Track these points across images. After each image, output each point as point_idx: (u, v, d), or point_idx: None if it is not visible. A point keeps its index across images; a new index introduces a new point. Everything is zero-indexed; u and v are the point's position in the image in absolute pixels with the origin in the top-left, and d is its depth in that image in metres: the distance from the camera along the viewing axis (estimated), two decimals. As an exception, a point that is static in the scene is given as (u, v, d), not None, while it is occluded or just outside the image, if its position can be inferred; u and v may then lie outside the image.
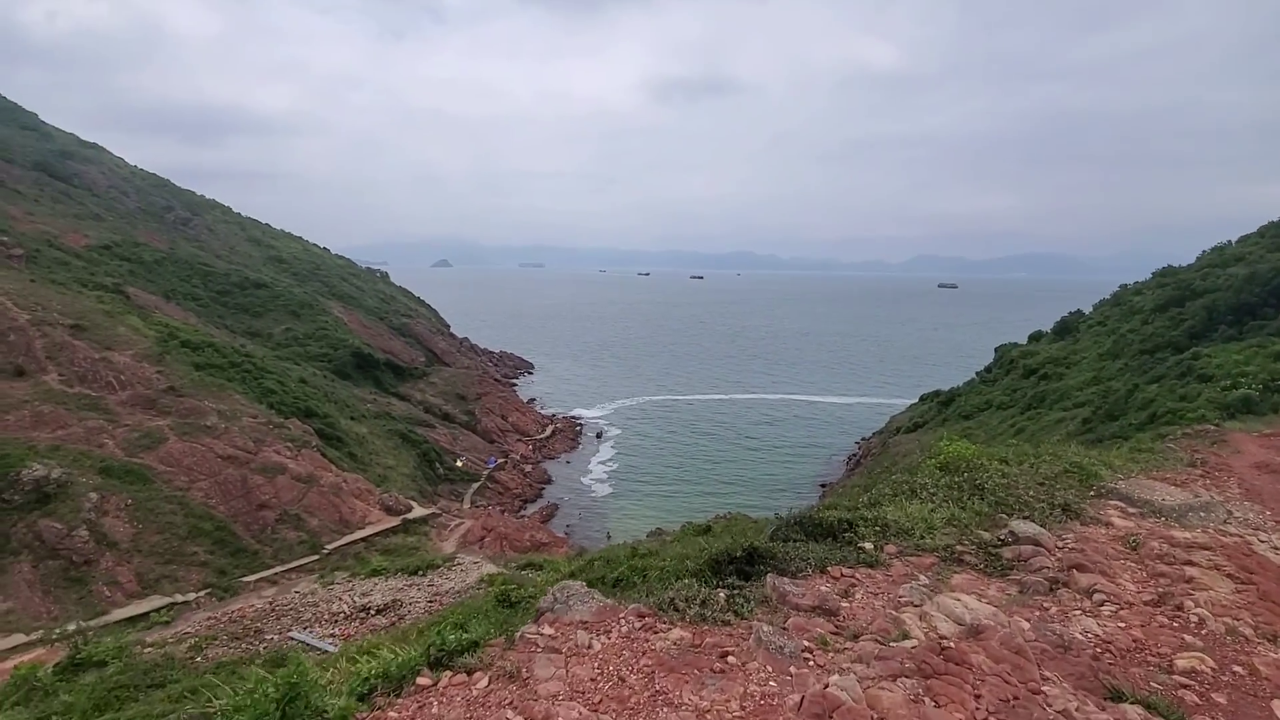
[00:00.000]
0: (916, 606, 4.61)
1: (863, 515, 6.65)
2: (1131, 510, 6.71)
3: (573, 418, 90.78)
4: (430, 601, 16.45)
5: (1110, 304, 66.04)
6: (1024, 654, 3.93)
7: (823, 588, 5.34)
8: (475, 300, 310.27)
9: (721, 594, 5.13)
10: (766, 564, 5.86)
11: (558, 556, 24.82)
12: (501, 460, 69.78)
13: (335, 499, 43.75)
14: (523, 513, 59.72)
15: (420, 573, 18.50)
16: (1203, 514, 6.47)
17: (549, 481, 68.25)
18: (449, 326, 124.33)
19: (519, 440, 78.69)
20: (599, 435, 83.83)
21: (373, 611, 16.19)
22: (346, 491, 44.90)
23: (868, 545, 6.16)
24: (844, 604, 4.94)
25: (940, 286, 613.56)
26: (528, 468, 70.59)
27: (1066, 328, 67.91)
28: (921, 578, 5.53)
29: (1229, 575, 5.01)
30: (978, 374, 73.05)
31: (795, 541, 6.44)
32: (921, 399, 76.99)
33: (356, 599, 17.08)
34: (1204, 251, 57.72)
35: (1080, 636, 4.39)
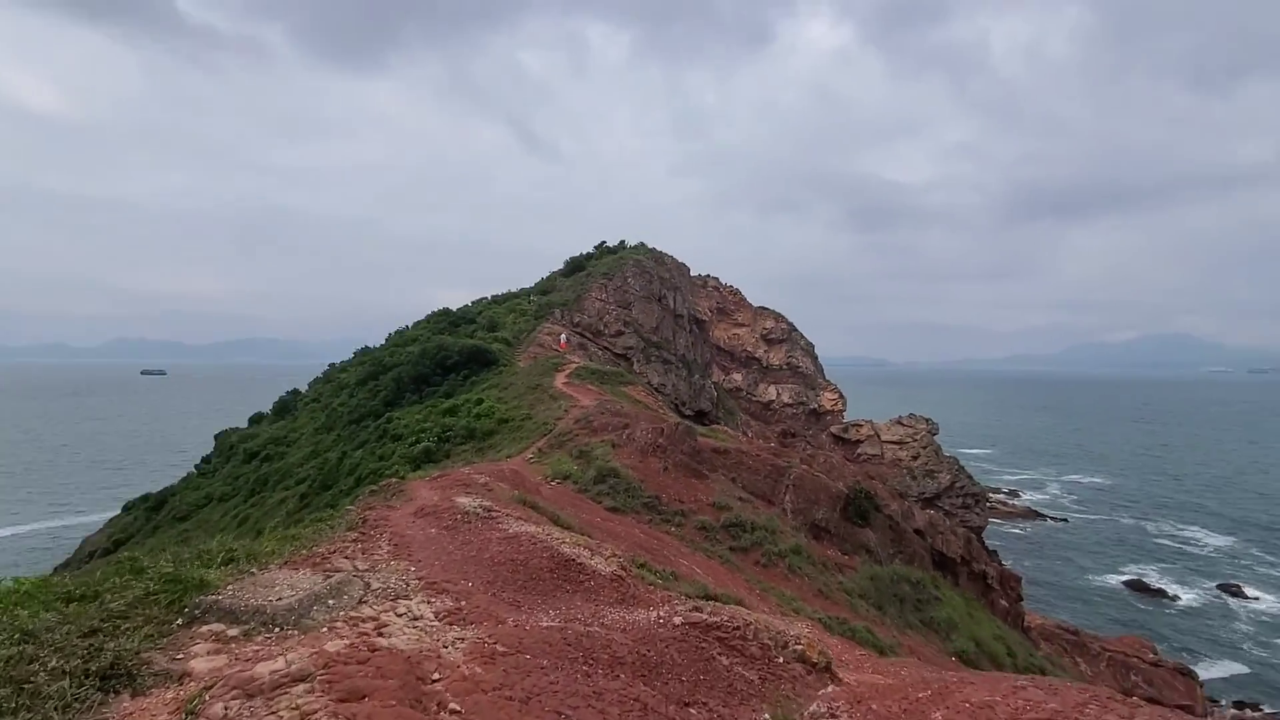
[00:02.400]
0: None
1: None
2: (234, 631, 4.36)
3: None
4: None
5: (323, 381, 70.48)
6: None
7: None
8: None
9: None
10: None
11: None
12: None
13: None
14: None
15: None
16: (331, 602, 4.75)
17: None
18: None
19: None
20: None
21: None
22: None
23: None
24: None
25: (144, 374, 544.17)
26: None
27: (285, 407, 68.42)
28: None
29: (327, 723, 3.10)
30: (196, 466, 64.87)
31: None
32: (125, 508, 62.49)
33: None
34: (390, 333, 68.88)
35: None
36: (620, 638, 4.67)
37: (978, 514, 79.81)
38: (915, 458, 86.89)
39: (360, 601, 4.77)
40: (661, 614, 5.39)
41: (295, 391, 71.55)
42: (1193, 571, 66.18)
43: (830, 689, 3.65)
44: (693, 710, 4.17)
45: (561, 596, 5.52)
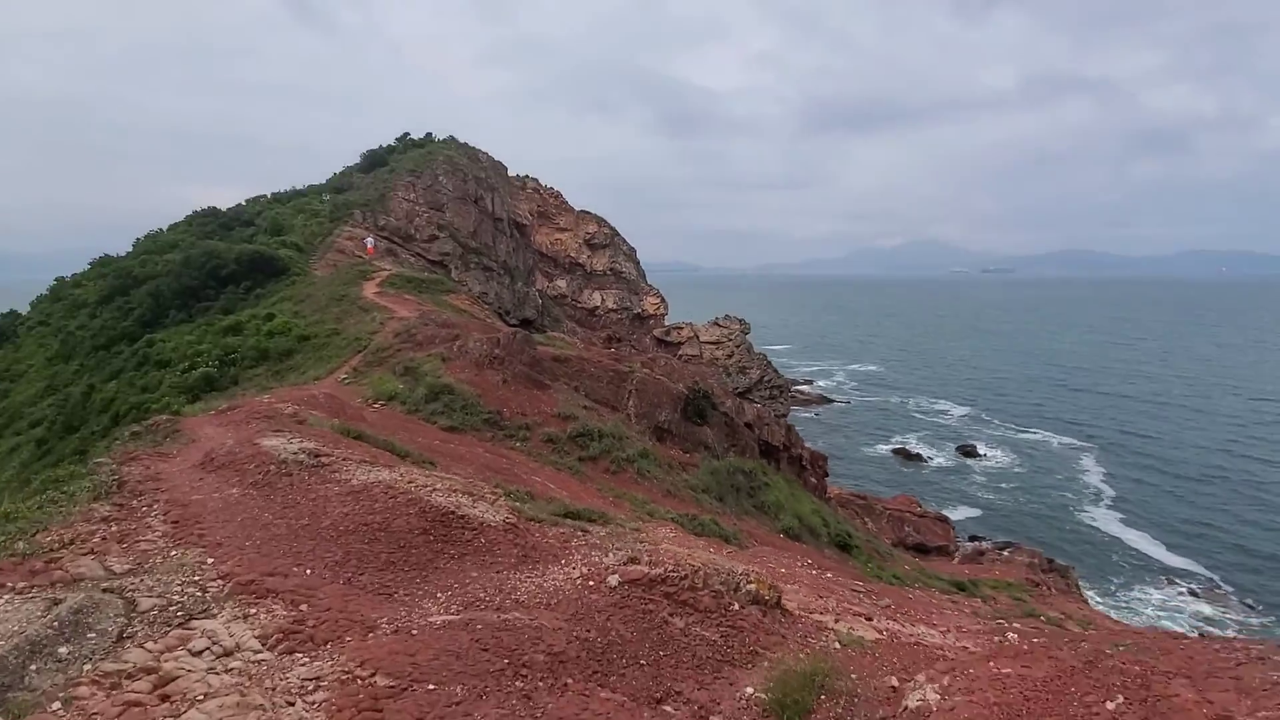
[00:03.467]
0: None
1: None
2: None
3: None
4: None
5: (51, 300, 56.78)
6: None
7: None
8: None
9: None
10: None
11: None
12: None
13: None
14: None
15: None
16: (64, 650, 2.69)
17: None
18: None
19: None
20: None
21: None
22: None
23: None
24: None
25: None
26: None
27: (3, 333, 54.48)
28: None
29: None
30: None
31: None
32: None
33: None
34: (138, 239, 56.59)
35: None
36: (549, 621, 3.35)
37: (782, 403, 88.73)
38: (730, 356, 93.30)
39: (121, 639, 2.80)
40: (585, 571, 4.14)
41: (13, 314, 57.05)
42: (941, 438, 79.87)
43: (933, 677, 2.75)
44: (668, 707, 3.08)
45: (446, 567, 3.99)
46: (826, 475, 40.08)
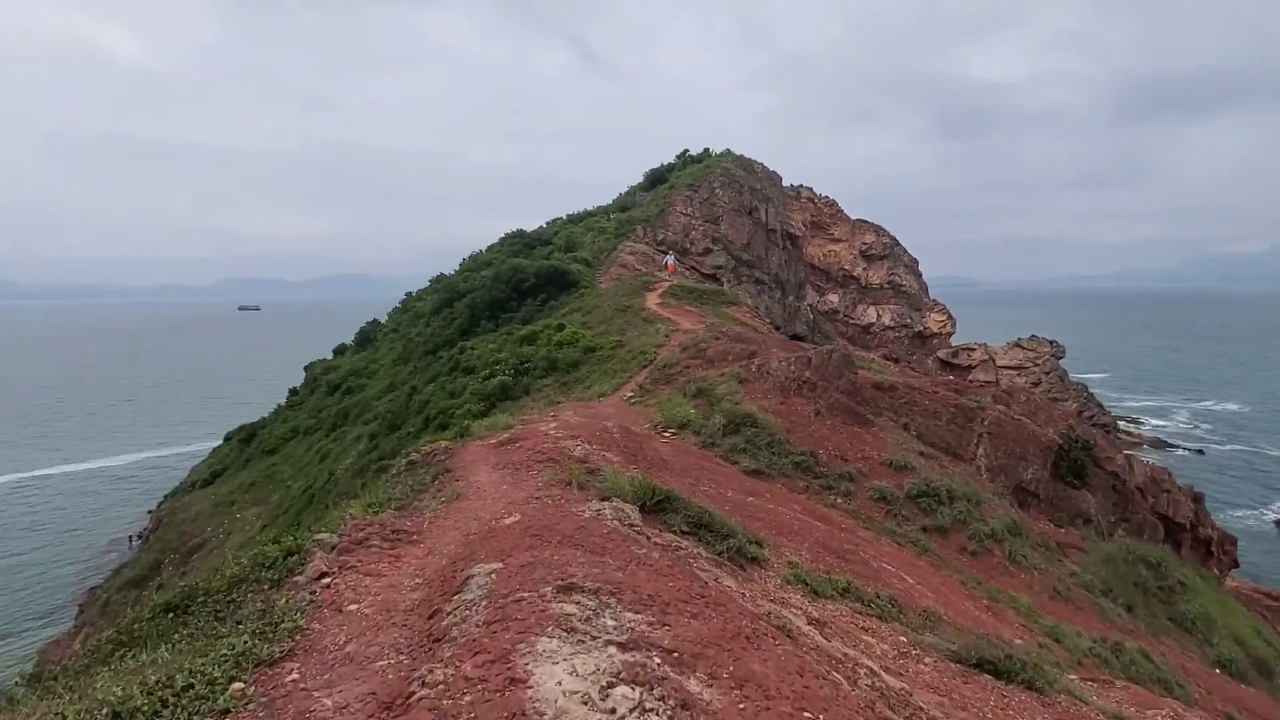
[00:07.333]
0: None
1: None
2: None
3: None
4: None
5: (400, 311, 68.05)
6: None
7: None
8: None
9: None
10: None
11: None
12: None
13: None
14: None
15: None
16: None
17: None
18: None
19: None
20: None
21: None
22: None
23: None
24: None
25: (241, 309, 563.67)
26: None
27: (366, 337, 66.63)
28: None
29: None
30: (286, 398, 64.57)
31: None
32: (226, 438, 63.02)
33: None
34: (464, 258, 64.98)
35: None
36: None
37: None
38: (1037, 384, 77.37)
39: None
40: None
41: (375, 322, 69.57)
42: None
43: None
44: None
45: None
46: (1236, 565, 28.50)
